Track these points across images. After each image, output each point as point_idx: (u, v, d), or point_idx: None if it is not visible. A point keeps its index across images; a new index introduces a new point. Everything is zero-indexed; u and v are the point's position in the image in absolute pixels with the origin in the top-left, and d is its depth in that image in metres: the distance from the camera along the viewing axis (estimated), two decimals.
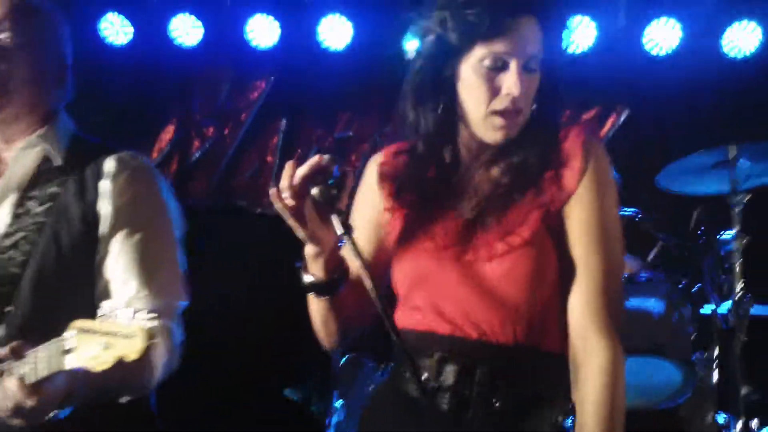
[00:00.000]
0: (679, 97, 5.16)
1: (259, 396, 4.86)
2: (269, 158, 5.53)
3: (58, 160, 2.18)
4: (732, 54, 5.16)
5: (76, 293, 2.09)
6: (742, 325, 3.27)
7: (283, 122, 5.55)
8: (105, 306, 2.03)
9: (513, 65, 1.83)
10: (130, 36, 5.32)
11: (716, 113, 5.07)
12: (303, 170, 1.75)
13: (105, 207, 2.12)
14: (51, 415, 1.87)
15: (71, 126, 2.29)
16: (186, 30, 5.31)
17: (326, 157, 1.79)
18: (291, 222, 1.79)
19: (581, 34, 5.22)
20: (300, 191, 1.75)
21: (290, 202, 1.76)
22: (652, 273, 3.39)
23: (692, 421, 3.51)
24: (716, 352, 3.31)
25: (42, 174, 2.18)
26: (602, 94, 5.41)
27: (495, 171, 1.93)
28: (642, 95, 5.31)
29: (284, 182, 1.75)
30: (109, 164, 2.16)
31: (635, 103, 5.38)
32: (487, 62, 1.84)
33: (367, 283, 1.72)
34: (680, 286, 3.27)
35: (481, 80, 1.84)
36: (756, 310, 3.41)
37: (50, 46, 2.25)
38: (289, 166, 1.77)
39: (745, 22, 5.11)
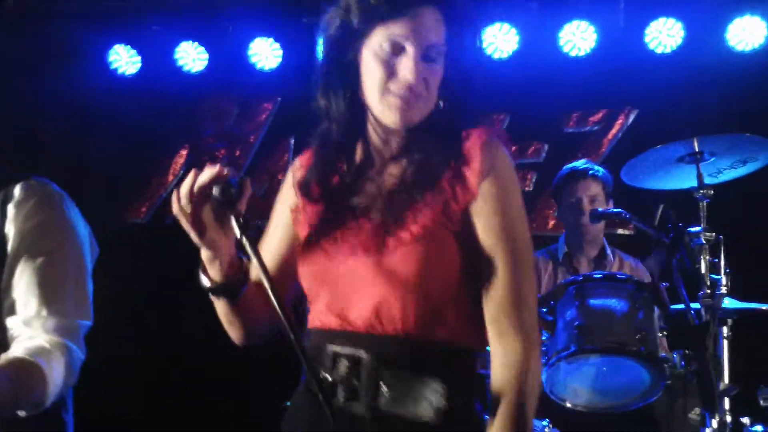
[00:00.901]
0: (685, 94, 5.08)
1: None
2: (280, 176, 5.60)
3: None
4: (738, 48, 5.08)
5: None
6: (714, 320, 3.19)
7: (292, 141, 5.63)
8: (8, 323, 2.14)
9: (410, 51, 1.85)
10: (138, 66, 5.48)
11: (723, 108, 4.97)
12: (203, 177, 1.79)
13: (11, 230, 2.19)
14: None
15: None
16: (191, 57, 5.45)
17: (227, 167, 1.82)
18: (186, 227, 1.83)
19: (579, 38, 5.20)
20: (198, 197, 1.80)
21: (188, 207, 1.80)
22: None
23: (670, 420, 3.44)
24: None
25: None
26: (609, 96, 5.36)
27: (398, 167, 1.95)
28: (649, 94, 5.24)
29: (184, 188, 1.80)
30: (17, 190, 2.23)
31: (643, 102, 5.31)
32: (385, 45, 1.86)
33: (265, 282, 1.74)
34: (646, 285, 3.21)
35: (378, 62, 1.86)
36: (735, 304, 3.34)
37: None
38: (192, 173, 1.81)
39: (747, 17, 5.04)
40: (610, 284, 3.23)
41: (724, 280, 3.43)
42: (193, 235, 1.84)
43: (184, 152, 5.69)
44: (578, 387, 3.24)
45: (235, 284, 1.92)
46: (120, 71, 5.50)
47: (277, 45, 5.41)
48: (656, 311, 3.23)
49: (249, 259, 1.86)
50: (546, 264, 4.37)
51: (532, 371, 1.85)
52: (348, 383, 1.86)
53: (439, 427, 1.83)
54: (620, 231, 5.16)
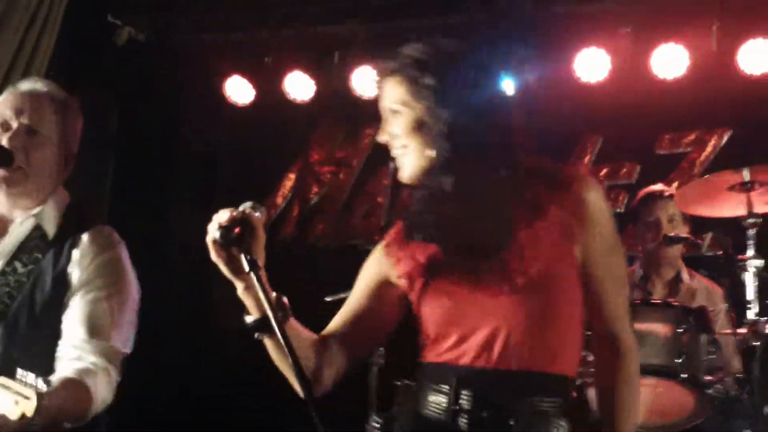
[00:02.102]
0: None
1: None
2: (380, 199, 5.91)
3: (49, 235, 2.59)
4: None
5: (44, 341, 2.49)
6: (761, 344, 3.29)
7: (392, 165, 5.89)
8: (62, 345, 2.48)
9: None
10: (252, 96, 5.92)
11: None
12: (211, 225, 1.97)
13: (75, 271, 2.53)
14: None
15: (64, 200, 2.68)
16: (299, 87, 5.83)
17: (233, 210, 2.00)
18: (222, 269, 2.02)
19: (672, 61, 5.27)
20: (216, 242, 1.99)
21: (214, 253, 2.00)
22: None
23: None
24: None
25: (31, 240, 2.59)
26: (702, 118, 5.41)
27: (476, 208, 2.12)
28: (742, 116, 5.27)
29: (207, 237, 2.00)
30: (84, 237, 2.58)
31: (736, 123, 5.34)
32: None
33: (272, 318, 1.91)
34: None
35: None
36: None
37: (66, 139, 2.67)
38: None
39: None
40: (656, 308, 3.35)
41: None
42: (229, 276, 2.01)
43: (292, 176, 6.08)
44: None
45: (280, 317, 1.99)
46: (234, 100, 5.94)
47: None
48: (704, 336, 3.33)
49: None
50: None
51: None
52: (474, 414, 1.99)
53: None
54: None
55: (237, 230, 1.95)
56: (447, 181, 2.10)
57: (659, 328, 3.32)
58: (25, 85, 2.70)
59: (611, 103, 5.44)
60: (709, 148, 5.44)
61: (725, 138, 5.43)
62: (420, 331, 2.15)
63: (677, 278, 4.38)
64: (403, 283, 2.15)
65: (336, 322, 2.23)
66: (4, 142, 2.58)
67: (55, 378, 2.36)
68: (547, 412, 1.99)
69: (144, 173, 5.90)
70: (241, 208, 2.00)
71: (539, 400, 2.00)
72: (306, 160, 6.10)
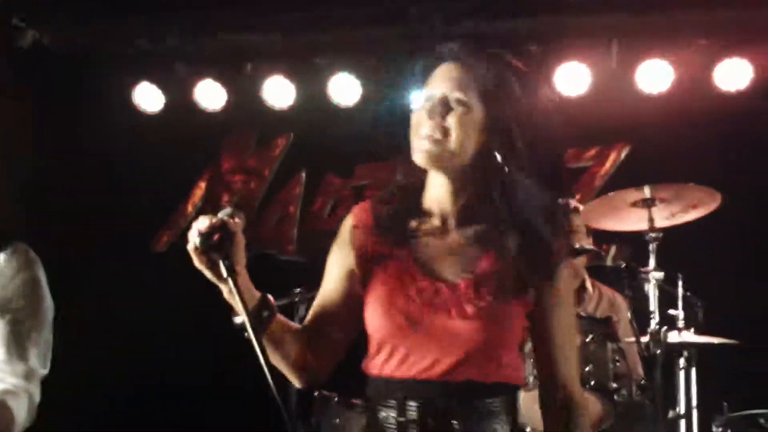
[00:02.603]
0: (673, 133, 5.33)
1: None
2: (292, 208, 5.97)
3: None
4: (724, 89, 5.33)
5: None
6: (662, 352, 3.47)
7: (303, 175, 5.98)
8: None
9: (427, 104, 2.10)
10: (162, 103, 5.89)
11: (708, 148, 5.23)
12: (191, 233, 1.97)
13: None
14: None
15: None
16: (210, 96, 5.83)
17: (210, 217, 2.00)
18: (206, 274, 2.00)
19: (575, 80, 5.49)
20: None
21: (196, 260, 1.98)
22: None
23: None
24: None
25: None
26: (601, 134, 5.65)
27: (461, 236, 2.12)
28: (640, 131, 5.52)
29: (188, 245, 1.97)
30: (0, 257, 2.57)
31: (634, 139, 5.59)
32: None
33: (248, 323, 1.92)
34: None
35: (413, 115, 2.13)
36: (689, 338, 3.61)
37: None
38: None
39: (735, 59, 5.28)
40: None
41: (681, 315, 3.71)
42: (213, 281, 2.01)
43: (203, 184, 6.08)
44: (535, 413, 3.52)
45: (265, 319, 2.06)
46: (143, 108, 5.90)
47: (292, 85, 5.77)
48: (610, 345, 3.49)
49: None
50: None
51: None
52: (422, 424, 2.04)
53: None
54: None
55: (216, 237, 1.96)
56: (451, 203, 2.13)
57: None
58: None
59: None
60: (608, 163, 5.68)
61: (624, 153, 5.67)
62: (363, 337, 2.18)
63: (581, 288, 4.55)
64: (359, 272, 2.17)
65: (315, 309, 2.22)
66: None
67: None
68: (492, 412, 2.07)
69: (56, 181, 5.82)
70: (220, 215, 2.00)
71: (481, 402, 2.07)
72: (217, 169, 6.11)
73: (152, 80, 5.90)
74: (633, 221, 3.65)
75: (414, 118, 2.12)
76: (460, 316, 2.05)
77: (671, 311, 3.82)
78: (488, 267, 2.08)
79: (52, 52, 6.05)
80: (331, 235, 2.24)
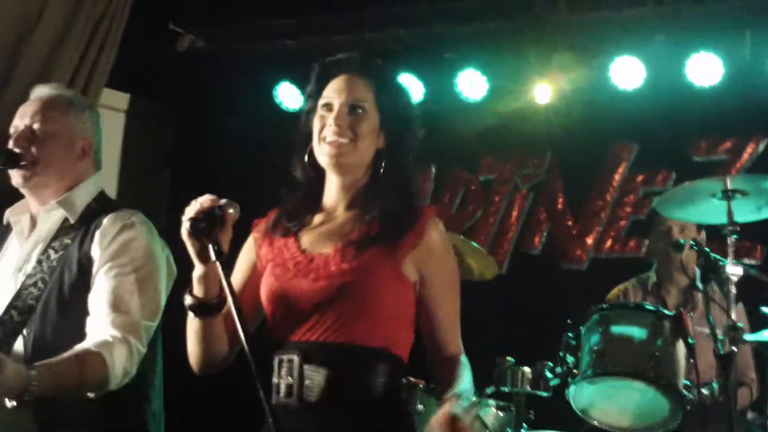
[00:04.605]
0: None
1: None
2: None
3: (72, 220, 2.85)
4: None
5: (75, 320, 2.69)
6: (736, 351, 3.33)
7: (433, 169, 6.07)
8: (87, 321, 2.68)
9: (336, 105, 2.34)
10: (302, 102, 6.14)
11: None
12: (188, 210, 2.17)
13: (96, 252, 2.75)
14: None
15: (92, 190, 2.92)
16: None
17: (210, 199, 2.20)
18: (190, 252, 2.20)
19: (706, 70, 5.28)
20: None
21: (186, 239, 2.19)
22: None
23: None
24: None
25: (62, 229, 2.85)
26: (738, 125, 5.40)
27: (358, 222, 2.35)
28: None
29: (183, 217, 2.17)
30: (106, 220, 2.80)
31: None
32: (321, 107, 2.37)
33: (230, 300, 2.11)
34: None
35: (317, 119, 2.36)
36: None
37: (74, 131, 2.92)
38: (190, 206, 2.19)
39: None
40: (632, 313, 3.43)
41: None
42: (194, 259, 2.21)
43: None
44: (605, 408, 3.48)
45: (215, 305, 2.26)
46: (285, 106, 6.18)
47: (420, 82, 5.88)
48: (680, 341, 3.39)
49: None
50: (636, 292, 4.53)
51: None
52: (285, 382, 2.26)
53: (365, 412, 2.23)
54: None
55: (204, 223, 2.14)
56: (345, 198, 2.36)
57: (635, 332, 3.39)
58: (33, 93, 3.00)
59: (647, 111, 5.48)
60: (745, 156, 5.42)
61: (762, 146, 5.39)
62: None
63: (692, 285, 4.40)
64: (260, 266, 2.40)
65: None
66: (11, 145, 2.88)
67: (72, 350, 2.55)
68: (368, 360, 2.24)
69: (200, 183, 6.17)
70: (219, 202, 2.19)
71: (354, 364, 2.24)
72: None
73: (293, 79, 6.15)
74: (712, 213, 3.50)
75: (317, 124, 2.34)
76: (325, 277, 2.25)
77: (765, 308, 3.64)
78: (357, 235, 2.30)
79: (203, 56, 6.46)
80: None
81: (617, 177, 5.71)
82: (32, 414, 2.56)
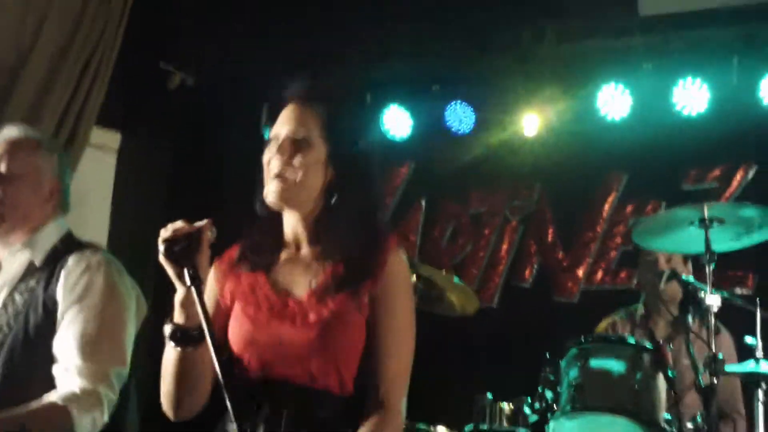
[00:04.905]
0: None
1: None
2: (412, 237, 6.03)
3: (36, 262, 2.82)
4: None
5: (41, 364, 2.66)
6: (717, 382, 3.28)
7: (423, 202, 6.04)
8: (53, 370, 2.64)
9: (280, 138, 2.27)
10: None
11: None
12: (163, 232, 2.09)
13: (60, 293, 2.72)
14: None
15: (58, 231, 2.90)
16: None
17: (180, 222, 2.11)
18: (169, 273, 2.11)
19: (693, 97, 5.26)
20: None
21: (163, 261, 2.09)
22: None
23: None
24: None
25: (28, 271, 2.82)
26: (727, 152, 5.36)
27: (320, 263, 2.28)
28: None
29: (159, 240, 2.09)
30: (71, 261, 2.77)
31: (763, 157, 5.27)
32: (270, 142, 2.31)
33: (207, 331, 2.00)
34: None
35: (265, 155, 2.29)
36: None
37: (41, 173, 2.90)
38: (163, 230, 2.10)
39: None
40: (610, 346, 3.37)
41: (760, 344, 3.48)
42: (175, 282, 2.11)
43: None
44: None
45: (197, 334, 2.12)
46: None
47: (407, 113, 5.87)
48: (660, 374, 3.33)
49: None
50: (624, 325, 4.47)
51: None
52: (268, 425, 2.17)
53: None
54: None
55: (179, 246, 2.05)
56: (307, 231, 2.30)
57: (614, 365, 3.33)
58: (1, 134, 2.95)
59: (635, 140, 5.45)
60: (734, 183, 5.37)
61: (751, 172, 5.34)
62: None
63: (677, 317, 4.33)
64: (224, 302, 2.33)
65: None
66: None
67: (38, 402, 2.54)
68: (326, 419, 2.18)
69: (194, 218, 6.15)
70: (195, 225, 2.12)
71: (319, 408, 2.19)
72: None
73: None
74: (690, 242, 3.45)
75: (264, 158, 2.27)
76: (302, 325, 2.20)
77: (748, 338, 3.58)
78: (324, 279, 2.24)
79: (193, 92, 6.47)
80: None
81: (607, 207, 5.66)
82: None
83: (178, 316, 2.15)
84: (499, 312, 5.74)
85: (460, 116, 5.78)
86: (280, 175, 2.22)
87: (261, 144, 5.97)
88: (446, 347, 5.23)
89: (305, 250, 2.31)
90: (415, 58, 5.81)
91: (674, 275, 3.80)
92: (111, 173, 6.39)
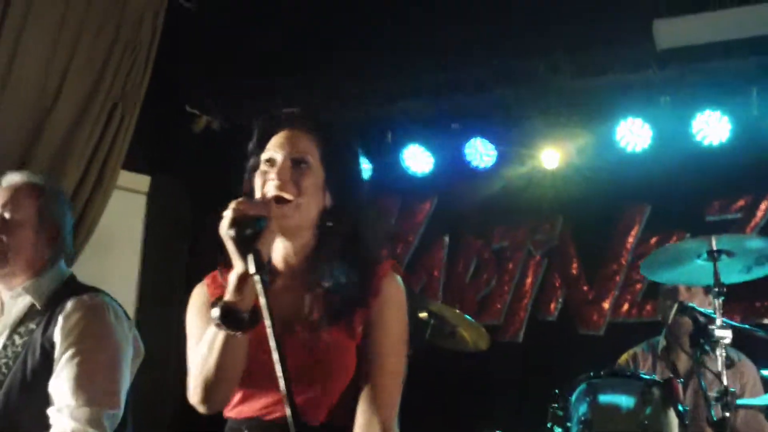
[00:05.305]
0: None
1: None
2: (435, 273, 6.05)
3: (38, 305, 2.89)
4: None
5: (37, 405, 2.71)
6: (730, 416, 3.24)
7: (446, 239, 6.06)
8: (48, 411, 2.69)
9: (278, 159, 2.20)
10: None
11: None
12: (224, 219, 2.00)
13: (58, 336, 2.78)
14: None
15: (60, 275, 2.97)
16: None
17: (252, 204, 2.03)
18: (229, 250, 2.00)
19: (713, 128, 5.23)
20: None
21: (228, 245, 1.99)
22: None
23: None
24: None
25: (29, 314, 2.89)
26: (751, 183, 5.31)
27: (313, 292, 2.21)
28: None
29: (221, 229, 2.00)
30: (69, 304, 2.82)
31: None
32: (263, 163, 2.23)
33: (267, 321, 1.89)
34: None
35: (258, 175, 2.22)
36: None
37: (43, 219, 2.96)
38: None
39: None
40: (620, 381, 3.35)
41: None
42: (234, 258, 2.00)
43: None
44: None
45: (247, 318, 2.01)
46: None
47: (427, 153, 5.92)
48: (671, 409, 3.30)
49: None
50: (645, 357, 4.44)
51: None
52: None
53: None
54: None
55: (249, 230, 1.96)
56: (299, 258, 2.23)
57: (623, 400, 3.30)
58: (4, 181, 3.03)
59: (657, 172, 5.43)
60: (759, 213, 5.31)
61: None
62: None
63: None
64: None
65: None
66: None
67: None
68: None
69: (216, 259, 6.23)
70: (265, 204, 2.05)
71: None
72: None
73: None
74: (699, 274, 3.43)
75: (258, 181, 2.19)
76: (298, 359, 2.11)
77: (764, 371, 3.54)
78: (318, 313, 2.17)
79: (219, 135, 6.57)
80: None
81: (631, 239, 5.64)
82: None
83: (233, 296, 2.03)
84: (526, 346, 5.73)
85: (480, 152, 5.79)
86: (279, 197, 2.14)
87: None
88: (470, 382, 5.24)
89: (298, 279, 2.24)
90: (433, 96, 5.84)
91: (684, 307, 3.76)
92: (142, 215, 6.50)
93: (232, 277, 2.02)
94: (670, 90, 5.36)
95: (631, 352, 4.51)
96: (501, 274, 5.91)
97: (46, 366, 2.75)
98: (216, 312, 2.03)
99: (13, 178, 3.02)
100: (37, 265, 2.94)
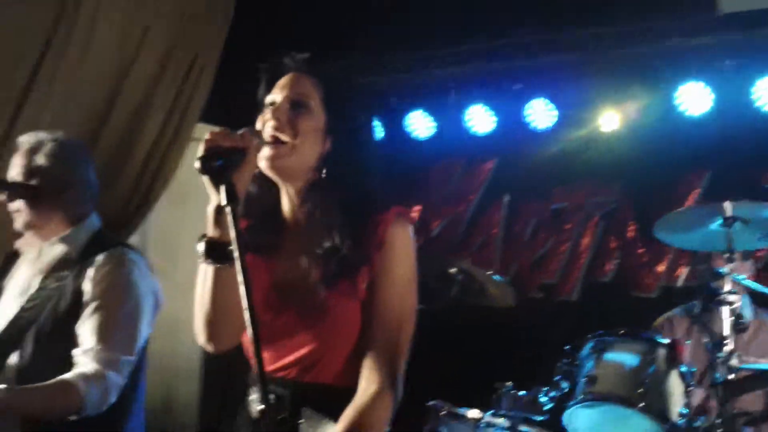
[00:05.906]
0: None
1: None
2: (494, 231, 6.16)
3: (73, 255, 3.14)
4: None
5: (63, 345, 2.97)
6: (734, 379, 3.30)
7: (506, 198, 6.15)
8: (73, 352, 2.96)
9: (277, 99, 2.20)
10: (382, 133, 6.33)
11: None
12: (203, 145, 1.95)
13: (87, 287, 3.03)
14: None
15: (92, 228, 3.20)
16: (421, 125, 6.22)
17: (230, 135, 1.98)
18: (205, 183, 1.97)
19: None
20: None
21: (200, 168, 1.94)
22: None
23: None
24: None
25: (63, 261, 3.13)
26: None
27: (310, 256, 2.19)
28: None
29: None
30: (100, 257, 3.08)
31: None
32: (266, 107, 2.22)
33: (236, 253, 1.84)
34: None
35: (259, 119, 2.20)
36: None
37: (73, 172, 3.18)
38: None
39: None
40: (626, 340, 3.44)
41: None
42: (209, 190, 1.98)
43: (417, 209, 6.43)
44: None
45: (231, 251, 1.90)
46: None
47: (490, 112, 6.00)
48: (673, 369, 3.38)
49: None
50: (681, 321, 4.48)
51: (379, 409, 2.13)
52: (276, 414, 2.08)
53: None
54: None
55: (216, 161, 1.92)
56: (302, 209, 2.23)
57: (627, 359, 3.39)
58: (20, 143, 3.21)
59: (716, 137, 5.39)
60: None
61: None
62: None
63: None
64: None
65: None
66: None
67: (52, 380, 2.85)
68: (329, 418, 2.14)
69: None
70: (240, 136, 2.00)
71: (324, 404, 2.17)
72: (427, 197, 6.42)
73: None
74: (713, 241, 3.46)
75: (259, 125, 2.18)
76: (308, 317, 2.15)
77: None
78: (323, 272, 2.16)
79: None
80: None
81: (689, 205, 5.61)
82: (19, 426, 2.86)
83: (212, 230, 2.04)
84: (580, 305, 5.81)
85: (540, 113, 5.84)
86: (274, 138, 2.14)
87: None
88: (519, 339, 5.34)
89: (302, 230, 2.23)
90: (496, 59, 5.90)
91: (717, 273, 3.77)
92: None
93: (209, 210, 2.03)
94: (733, 54, 5.28)
95: (667, 315, 4.56)
96: (558, 234, 5.98)
97: (74, 311, 3.00)
98: (201, 247, 2.05)
99: (29, 139, 3.19)
100: (68, 215, 3.16)
